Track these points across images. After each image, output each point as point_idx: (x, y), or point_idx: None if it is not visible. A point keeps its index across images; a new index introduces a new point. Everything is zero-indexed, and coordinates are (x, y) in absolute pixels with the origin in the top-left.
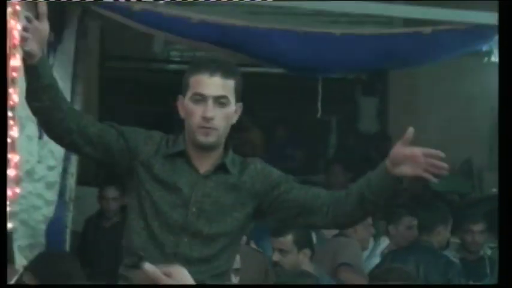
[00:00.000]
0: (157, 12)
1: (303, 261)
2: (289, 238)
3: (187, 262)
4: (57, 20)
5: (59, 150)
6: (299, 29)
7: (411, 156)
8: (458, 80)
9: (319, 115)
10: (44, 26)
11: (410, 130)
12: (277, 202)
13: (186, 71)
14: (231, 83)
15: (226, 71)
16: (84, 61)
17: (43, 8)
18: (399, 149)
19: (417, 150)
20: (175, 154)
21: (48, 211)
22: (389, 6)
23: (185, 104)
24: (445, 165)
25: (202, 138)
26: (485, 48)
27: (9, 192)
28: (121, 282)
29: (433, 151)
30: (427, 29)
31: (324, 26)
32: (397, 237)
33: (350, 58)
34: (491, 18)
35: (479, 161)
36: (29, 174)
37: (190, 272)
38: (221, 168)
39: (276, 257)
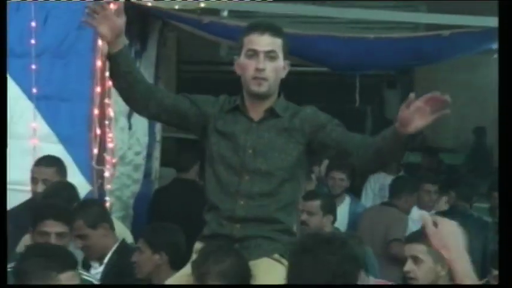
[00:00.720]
0: (222, 24)
1: (327, 224)
2: (317, 203)
3: (250, 197)
4: (142, 32)
5: (144, 139)
6: (340, 35)
7: (417, 110)
8: (471, 72)
9: (357, 104)
10: (118, 20)
11: (412, 95)
12: (323, 141)
13: (241, 33)
14: (278, 41)
15: (274, 31)
16: (164, 65)
17: (121, 5)
18: (404, 111)
19: (418, 103)
20: (234, 108)
21: (135, 188)
22: (413, 14)
23: (240, 61)
24: (444, 97)
25: (255, 88)
26: (494, 46)
27: (107, 174)
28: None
29: (429, 95)
30: (446, 32)
31: (360, 32)
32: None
33: (382, 58)
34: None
35: (491, 138)
36: (121, 159)
37: (254, 206)
38: (272, 113)
39: (304, 217)
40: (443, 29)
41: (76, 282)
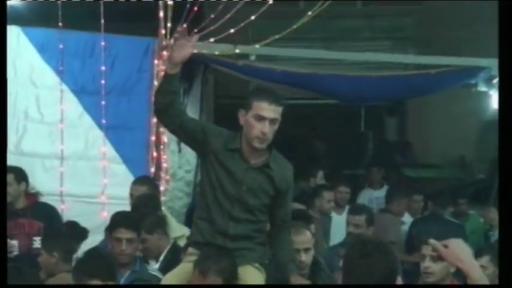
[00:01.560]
0: (253, 66)
1: (368, 234)
2: (363, 217)
3: (239, 221)
4: (188, 73)
5: (193, 160)
6: (347, 73)
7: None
8: (454, 103)
9: (362, 129)
10: (190, 50)
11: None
12: (281, 201)
13: (250, 94)
14: (280, 109)
15: (279, 101)
16: (207, 100)
17: (195, 39)
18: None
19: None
20: (234, 149)
21: (187, 200)
22: (406, 56)
23: (247, 119)
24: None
25: (258, 145)
26: (473, 81)
27: (162, 188)
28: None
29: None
30: (433, 71)
31: (363, 71)
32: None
33: (382, 92)
34: (477, 61)
35: (470, 156)
36: (173, 176)
37: (241, 228)
38: (265, 164)
39: (350, 229)
40: (430, 68)
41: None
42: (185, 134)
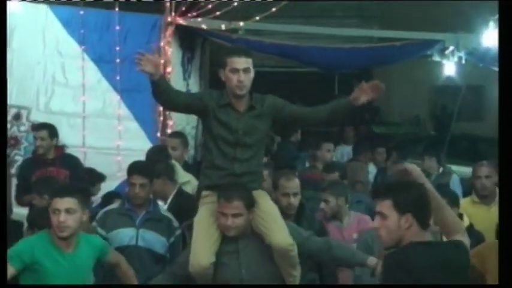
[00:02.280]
0: (244, 38)
1: None
2: (336, 174)
3: (242, 161)
4: (191, 45)
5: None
6: (323, 46)
7: (364, 90)
8: (412, 71)
9: (336, 93)
10: (156, 59)
11: (362, 82)
12: (284, 118)
13: (223, 54)
14: (250, 60)
15: (247, 53)
16: (204, 68)
17: (155, 49)
18: (356, 91)
19: (365, 85)
20: (226, 104)
21: (191, 152)
22: (374, 31)
23: (226, 74)
24: (381, 85)
25: (239, 92)
26: (429, 52)
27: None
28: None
29: (375, 82)
30: (397, 43)
31: (339, 43)
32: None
33: (353, 61)
34: (432, 36)
35: (424, 115)
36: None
37: (244, 166)
38: (251, 107)
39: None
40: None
41: None
42: (188, 109)
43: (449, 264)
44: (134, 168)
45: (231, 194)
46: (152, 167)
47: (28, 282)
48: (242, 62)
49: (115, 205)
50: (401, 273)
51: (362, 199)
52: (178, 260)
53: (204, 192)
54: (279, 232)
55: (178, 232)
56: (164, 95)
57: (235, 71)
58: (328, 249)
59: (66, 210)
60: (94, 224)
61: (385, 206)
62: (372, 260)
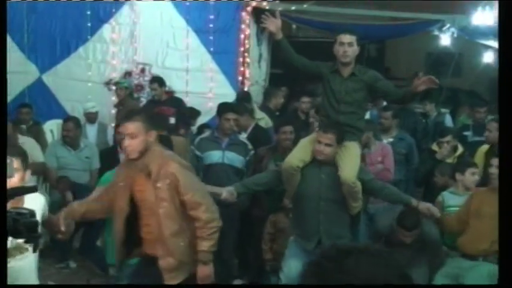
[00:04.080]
0: (302, 18)
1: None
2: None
3: (344, 113)
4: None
5: (263, 74)
6: (356, 22)
7: (423, 81)
8: (417, 40)
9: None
10: (278, 21)
11: (420, 74)
12: (379, 88)
13: (335, 34)
14: (354, 37)
15: (352, 31)
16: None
17: (278, 12)
18: (415, 81)
19: (423, 78)
20: (334, 71)
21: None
22: (390, 12)
23: (335, 47)
24: (435, 80)
25: (344, 60)
26: (432, 28)
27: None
28: None
29: (430, 77)
30: (405, 22)
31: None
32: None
33: (378, 34)
34: (435, 16)
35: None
36: (255, 83)
37: (346, 119)
38: (353, 74)
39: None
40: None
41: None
42: (305, 69)
43: None
44: (228, 107)
45: (328, 127)
46: (239, 107)
47: None
48: (348, 38)
49: (207, 134)
50: None
51: (404, 137)
52: (268, 173)
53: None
54: (348, 169)
55: (252, 153)
56: (285, 53)
57: (342, 44)
58: (383, 188)
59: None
60: (192, 147)
61: None
62: (414, 201)
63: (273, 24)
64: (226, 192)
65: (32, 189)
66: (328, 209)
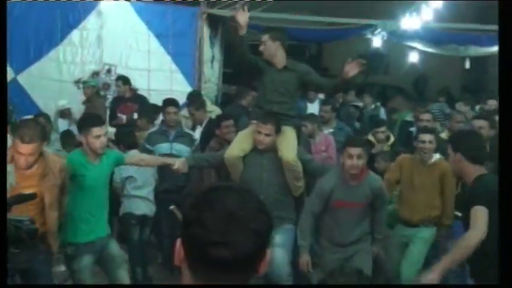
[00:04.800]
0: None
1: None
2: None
3: (277, 103)
4: (216, 26)
5: (216, 75)
6: (302, 27)
7: (351, 66)
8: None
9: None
10: (246, 18)
11: (349, 60)
12: (311, 80)
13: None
14: (278, 43)
15: (274, 34)
16: (224, 40)
17: (246, 8)
18: (346, 68)
19: (352, 63)
20: (271, 62)
21: (217, 92)
22: (334, 19)
23: (266, 48)
24: (362, 62)
25: (270, 58)
26: (365, 33)
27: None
28: None
29: (357, 60)
30: (342, 26)
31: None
32: None
33: (321, 37)
34: (369, 22)
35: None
36: (207, 81)
37: (276, 108)
38: (285, 67)
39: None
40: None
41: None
42: (251, 64)
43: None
44: (168, 102)
45: (267, 119)
46: (177, 101)
47: (72, 188)
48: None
49: (155, 128)
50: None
51: (343, 127)
52: (218, 153)
53: (252, 122)
54: (288, 150)
55: (197, 143)
56: (241, 48)
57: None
58: (323, 171)
59: (104, 135)
60: (142, 141)
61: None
62: None
63: (243, 17)
64: (179, 163)
65: (31, 197)
66: (272, 192)
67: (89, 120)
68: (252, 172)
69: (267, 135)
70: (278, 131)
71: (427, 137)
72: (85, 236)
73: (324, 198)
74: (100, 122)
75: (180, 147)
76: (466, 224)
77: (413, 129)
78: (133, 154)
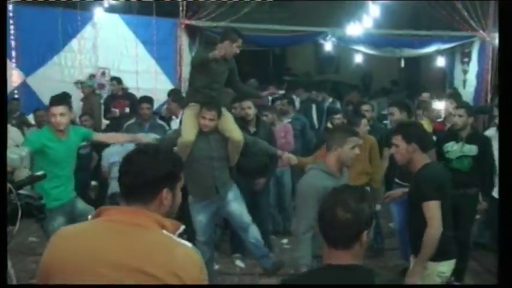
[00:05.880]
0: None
1: None
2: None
3: (216, 90)
4: (194, 36)
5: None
6: (264, 35)
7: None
8: (309, 47)
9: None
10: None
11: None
12: (233, 75)
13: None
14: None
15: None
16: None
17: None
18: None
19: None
20: (209, 60)
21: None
22: (288, 27)
23: (219, 46)
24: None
25: (218, 56)
26: (318, 38)
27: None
28: None
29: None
30: (299, 33)
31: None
32: None
33: (280, 43)
34: (322, 29)
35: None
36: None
37: (215, 94)
38: (221, 62)
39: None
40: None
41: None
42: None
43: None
44: (143, 99)
45: (211, 106)
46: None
47: (40, 161)
48: (236, 40)
49: (132, 120)
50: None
51: (299, 118)
52: (169, 135)
53: (191, 104)
54: (236, 131)
55: (169, 132)
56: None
57: (231, 46)
58: (267, 149)
59: (60, 114)
60: (122, 131)
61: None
62: (279, 152)
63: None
64: (147, 138)
65: (41, 177)
66: (220, 164)
67: (50, 101)
68: (202, 151)
69: (211, 120)
70: (220, 115)
71: (364, 121)
72: (54, 202)
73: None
74: (58, 102)
75: (154, 136)
76: (412, 204)
77: (386, 121)
78: (108, 134)
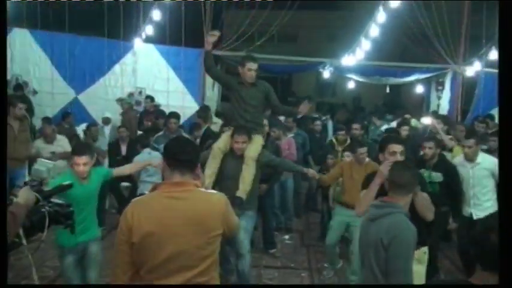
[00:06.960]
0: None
1: None
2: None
3: (250, 114)
4: (216, 63)
5: (216, 92)
6: (274, 63)
7: (303, 108)
8: (310, 75)
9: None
10: (216, 37)
11: (305, 103)
12: (270, 99)
13: (241, 61)
14: (256, 64)
15: (255, 60)
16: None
17: (218, 34)
18: (301, 108)
19: (306, 105)
20: (240, 82)
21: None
22: (292, 57)
23: (243, 70)
24: (311, 106)
25: (250, 80)
26: (318, 68)
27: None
28: None
29: (307, 106)
30: (302, 63)
31: (280, 62)
32: None
33: (286, 71)
34: (322, 60)
35: (315, 95)
36: (206, 97)
37: (252, 122)
38: (253, 84)
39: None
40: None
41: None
42: (219, 79)
43: None
44: (172, 115)
45: (242, 131)
46: (178, 114)
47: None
48: (254, 65)
49: (161, 132)
50: None
51: (300, 133)
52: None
53: (225, 128)
54: (252, 150)
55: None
56: (207, 61)
57: (251, 69)
58: (283, 163)
59: (84, 164)
60: (151, 142)
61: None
62: (304, 169)
63: (212, 38)
64: (156, 161)
65: (68, 186)
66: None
67: (74, 149)
68: (230, 170)
69: (243, 143)
70: (250, 138)
71: (364, 149)
72: (69, 241)
73: None
74: (81, 152)
75: (158, 156)
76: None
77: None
78: (124, 167)
